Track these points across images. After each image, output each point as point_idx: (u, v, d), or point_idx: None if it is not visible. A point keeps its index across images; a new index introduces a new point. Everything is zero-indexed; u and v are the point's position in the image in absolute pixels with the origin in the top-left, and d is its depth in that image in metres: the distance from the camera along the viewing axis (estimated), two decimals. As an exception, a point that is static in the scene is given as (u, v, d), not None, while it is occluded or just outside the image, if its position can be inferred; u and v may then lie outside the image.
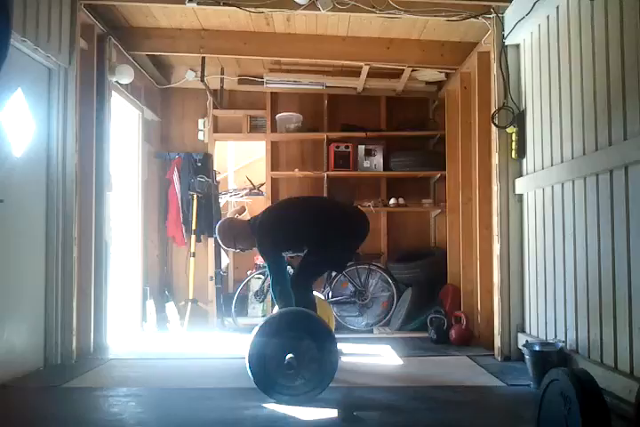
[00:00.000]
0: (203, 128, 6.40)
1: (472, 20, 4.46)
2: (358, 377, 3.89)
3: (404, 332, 5.67)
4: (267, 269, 4.10)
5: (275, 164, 6.55)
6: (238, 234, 4.08)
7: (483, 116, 4.77)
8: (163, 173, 6.41)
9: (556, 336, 3.69)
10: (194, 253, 6.05)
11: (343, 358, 4.45)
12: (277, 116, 6.50)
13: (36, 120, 4.05)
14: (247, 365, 3.32)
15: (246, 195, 6.55)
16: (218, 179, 6.28)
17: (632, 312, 2.85)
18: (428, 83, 6.29)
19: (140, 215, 6.00)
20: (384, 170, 6.40)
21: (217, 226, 4.19)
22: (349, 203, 4.66)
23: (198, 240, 6.19)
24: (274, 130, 6.53)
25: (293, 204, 4.37)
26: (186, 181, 6.25)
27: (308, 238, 4.02)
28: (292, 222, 4.03)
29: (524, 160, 4.25)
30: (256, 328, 3.42)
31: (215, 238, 5.96)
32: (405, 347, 4.91)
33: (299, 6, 4.38)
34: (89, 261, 4.54)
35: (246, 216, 6.46)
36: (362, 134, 6.44)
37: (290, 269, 5.91)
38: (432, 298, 5.76)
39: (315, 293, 4.25)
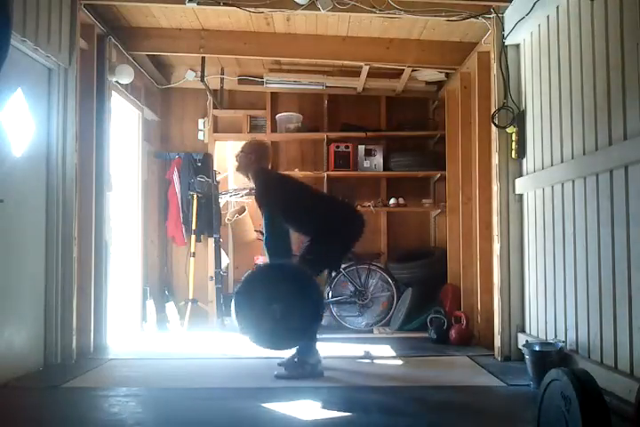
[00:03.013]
0: (203, 128, 6.40)
1: (472, 20, 4.47)
2: (358, 377, 3.89)
3: (403, 332, 5.67)
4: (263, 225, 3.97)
5: (275, 164, 6.54)
6: (261, 157, 4.07)
7: (483, 116, 4.77)
8: (163, 172, 6.41)
9: (556, 336, 3.69)
10: (194, 253, 6.05)
11: (339, 360, 4.45)
12: (277, 116, 6.50)
13: (35, 120, 4.05)
14: (233, 308, 3.57)
15: (246, 195, 6.54)
16: (218, 179, 6.27)
17: (632, 312, 2.85)
18: (427, 83, 6.29)
19: (139, 215, 6.00)
20: (384, 170, 6.40)
21: (248, 142, 4.21)
22: (350, 202, 4.62)
23: (198, 240, 6.19)
24: (274, 130, 6.53)
25: (308, 189, 4.27)
26: (186, 181, 6.25)
27: (309, 221, 3.99)
28: (302, 198, 4.03)
29: (524, 160, 4.25)
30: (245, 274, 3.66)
31: (215, 238, 5.98)
32: (405, 347, 4.90)
33: (299, 6, 4.38)
34: (89, 260, 4.54)
35: (246, 216, 6.49)
36: (362, 134, 6.44)
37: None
38: (432, 298, 5.76)
39: None
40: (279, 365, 3.87)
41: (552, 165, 3.77)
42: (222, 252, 6.09)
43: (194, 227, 6.11)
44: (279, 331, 3.58)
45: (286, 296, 3.57)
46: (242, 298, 3.66)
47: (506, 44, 4.35)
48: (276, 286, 3.61)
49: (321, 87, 6.32)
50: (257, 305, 3.58)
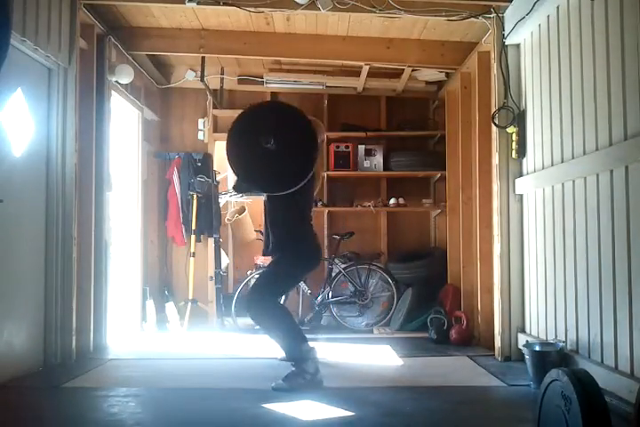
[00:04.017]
0: (203, 128, 6.39)
1: (472, 19, 4.47)
2: (358, 377, 3.89)
3: (404, 332, 5.66)
4: None
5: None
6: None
7: (483, 116, 4.77)
8: (162, 172, 6.41)
9: (556, 336, 3.68)
10: (194, 253, 6.04)
11: (343, 359, 4.45)
12: (277, 116, 6.48)
13: (35, 120, 4.04)
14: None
15: (246, 195, 6.54)
16: (218, 179, 6.27)
17: (632, 312, 2.85)
18: (428, 83, 6.29)
19: (139, 215, 6.00)
20: (384, 170, 6.40)
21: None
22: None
23: (198, 240, 6.19)
24: (274, 130, 6.51)
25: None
26: (186, 181, 6.25)
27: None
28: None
29: (525, 160, 4.24)
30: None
31: (215, 238, 5.98)
32: (405, 347, 4.90)
33: (299, 6, 4.38)
34: (89, 260, 4.54)
35: (246, 216, 6.49)
36: (362, 134, 6.43)
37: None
38: (432, 298, 5.76)
39: None
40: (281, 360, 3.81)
41: (552, 164, 3.77)
42: (222, 252, 6.09)
43: (194, 227, 6.10)
44: (272, 167, 3.61)
45: (278, 130, 3.61)
46: (235, 135, 3.68)
47: (506, 43, 4.35)
48: (267, 120, 3.66)
49: (321, 87, 6.32)
50: (248, 139, 3.61)
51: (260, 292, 3.77)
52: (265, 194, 3.90)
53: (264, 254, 4.02)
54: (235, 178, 4.14)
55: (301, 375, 3.54)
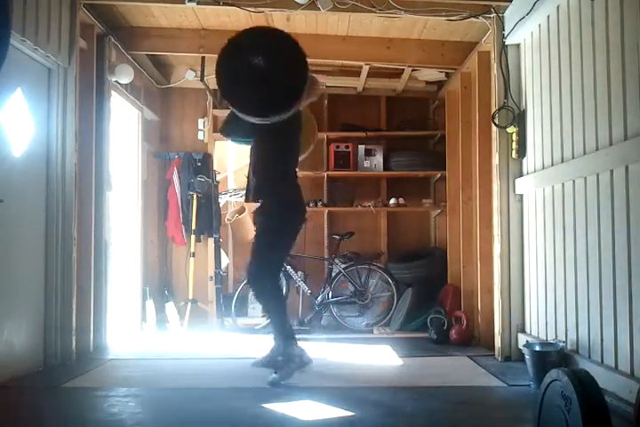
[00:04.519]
0: (202, 128, 6.39)
1: (472, 19, 4.47)
2: (358, 377, 3.89)
3: (404, 332, 5.66)
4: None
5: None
6: None
7: (483, 116, 4.76)
8: (162, 172, 6.41)
9: (556, 336, 3.68)
10: (194, 253, 6.04)
11: (342, 359, 4.45)
12: (277, 115, 6.48)
13: (35, 120, 4.04)
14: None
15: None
16: (218, 179, 6.27)
17: (632, 312, 2.85)
18: (428, 83, 6.28)
19: (139, 215, 6.00)
20: (384, 170, 6.40)
21: None
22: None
23: (198, 240, 6.19)
24: (274, 130, 6.51)
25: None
26: (185, 180, 6.24)
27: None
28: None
29: (525, 160, 4.24)
30: None
31: (215, 238, 5.97)
32: (405, 347, 4.90)
33: (299, 6, 4.38)
34: (89, 260, 4.54)
35: (246, 216, 6.48)
36: (362, 134, 6.43)
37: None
38: (432, 298, 5.76)
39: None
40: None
41: (553, 164, 3.76)
42: (222, 252, 6.09)
43: (194, 227, 6.10)
44: (260, 85, 3.57)
45: (271, 53, 3.57)
46: (224, 55, 3.64)
47: (506, 43, 4.35)
48: (256, 38, 3.64)
49: (321, 87, 6.30)
50: (237, 58, 3.58)
51: (259, 265, 3.82)
52: (250, 137, 3.90)
53: (246, 201, 4.05)
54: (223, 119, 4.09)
55: (292, 360, 3.67)
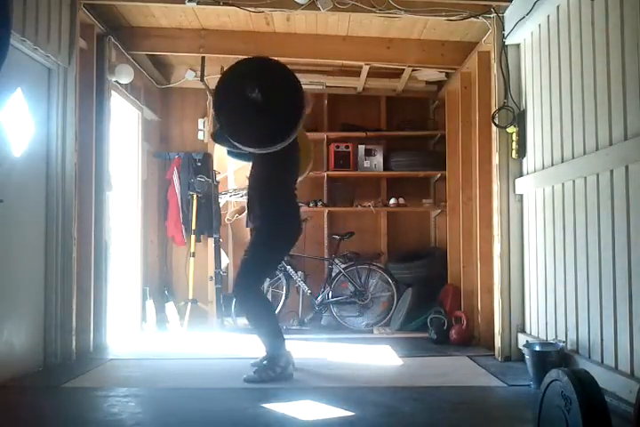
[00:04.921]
0: (202, 128, 6.39)
1: (472, 19, 4.47)
2: (358, 377, 3.89)
3: (404, 332, 5.66)
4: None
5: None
6: None
7: (483, 116, 4.77)
8: (162, 172, 6.41)
9: (556, 336, 3.68)
10: (194, 253, 6.04)
11: (341, 359, 4.45)
12: (277, 115, 6.47)
13: (35, 120, 4.04)
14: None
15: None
16: (218, 179, 6.26)
17: (633, 312, 2.85)
18: (428, 83, 6.28)
19: (139, 215, 6.00)
20: (384, 170, 6.40)
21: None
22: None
23: (198, 240, 6.18)
24: (274, 130, 6.50)
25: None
26: (185, 180, 6.24)
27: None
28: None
29: (525, 160, 4.24)
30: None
31: (215, 238, 5.97)
32: (405, 347, 4.89)
33: (299, 6, 4.38)
34: (89, 260, 4.54)
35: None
36: (362, 134, 6.43)
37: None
38: (432, 298, 5.76)
39: None
40: (252, 365, 3.83)
41: (553, 164, 3.76)
42: (222, 252, 6.09)
43: (193, 227, 6.10)
44: (263, 121, 3.59)
45: (265, 81, 3.59)
46: (222, 86, 3.65)
47: (506, 43, 4.35)
48: (255, 72, 3.66)
49: (321, 87, 6.31)
50: (235, 90, 3.59)
51: (244, 278, 3.85)
52: (245, 149, 3.84)
53: (247, 226, 4.06)
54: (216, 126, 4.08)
55: (272, 369, 3.71)
